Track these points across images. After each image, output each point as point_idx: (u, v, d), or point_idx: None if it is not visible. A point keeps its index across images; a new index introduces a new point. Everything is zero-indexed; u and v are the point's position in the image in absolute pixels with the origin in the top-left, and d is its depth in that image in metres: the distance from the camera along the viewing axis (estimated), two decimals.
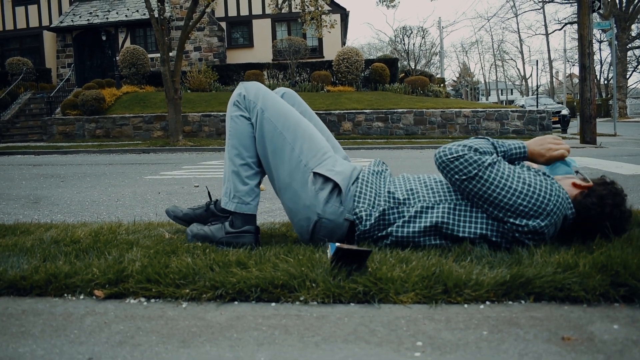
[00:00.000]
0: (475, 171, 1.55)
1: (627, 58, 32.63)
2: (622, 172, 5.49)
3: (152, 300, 1.28)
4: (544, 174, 1.63)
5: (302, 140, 1.77)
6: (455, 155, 1.57)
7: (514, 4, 52.50)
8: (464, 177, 1.56)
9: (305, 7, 13.29)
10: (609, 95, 36.86)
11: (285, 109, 1.83)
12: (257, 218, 1.80)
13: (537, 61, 31.10)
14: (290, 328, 1.11)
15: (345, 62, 17.33)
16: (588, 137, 11.80)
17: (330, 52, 19.80)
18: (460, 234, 1.59)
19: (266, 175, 1.90)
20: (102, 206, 3.47)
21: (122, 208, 3.35)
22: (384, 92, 16.90)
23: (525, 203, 1.53)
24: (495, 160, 1.58)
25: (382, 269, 1.33)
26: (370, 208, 1.66)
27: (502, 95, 60.15)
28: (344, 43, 24.03)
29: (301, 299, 1.24)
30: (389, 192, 1.70)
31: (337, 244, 1.35)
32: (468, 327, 1.11)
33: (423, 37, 27.58)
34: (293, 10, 17.97)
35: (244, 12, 21.25)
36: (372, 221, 1.64)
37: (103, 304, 1.26)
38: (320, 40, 20.16)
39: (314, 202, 1.68)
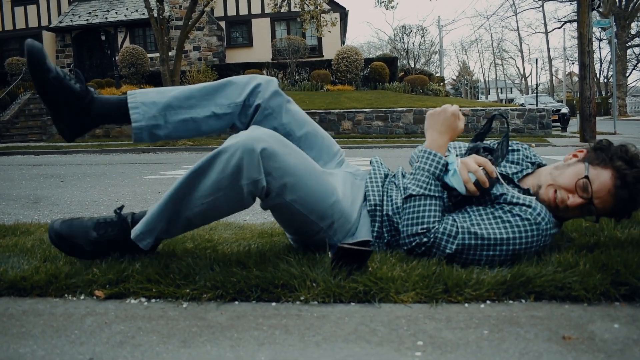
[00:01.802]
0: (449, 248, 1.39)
1: (627, 56, 32.64)
2: None
3: (153, 300, 1.28)
4: (525, 205, 1.42)
5: (340, 215, 1.46)
6: (413, 247, 1.42)
7: (514, 2, 52.67)
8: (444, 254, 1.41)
9: (305, 6, 13.28)
10: (608, 94, 36.86)
11: (315, 182, 1.39)
12: (256, 217, 1.78)
13: (536, 59, 31.08)
14: (290, 328, 1.11)
15: (344, 61, 17.34)
16: (588, 135, 11.80)
17: (330, 51, 19.80)
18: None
19: None
20: (102, 206, 3.46)
21: None
22: (384, 91, 16.91)
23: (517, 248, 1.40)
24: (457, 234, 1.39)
25: (383, 269, 1.33)
26: (377, 240, 1.55)
27: (501, 93, 60.12)
28: (343, 42, 24.02)
29: (302, 298, 1.24)
30: (389, 217, 1.54)
31: (339, 244, 1.36)
32: (469, 326, 1.11)
33: (422, 36, 27.61)
34: (292, 10, 17.96)
35: (243, 11, 21.25)
36: (378, 250, 1.56)
37: (103, 304, 1.26)
38: (319, 39, 20.15)
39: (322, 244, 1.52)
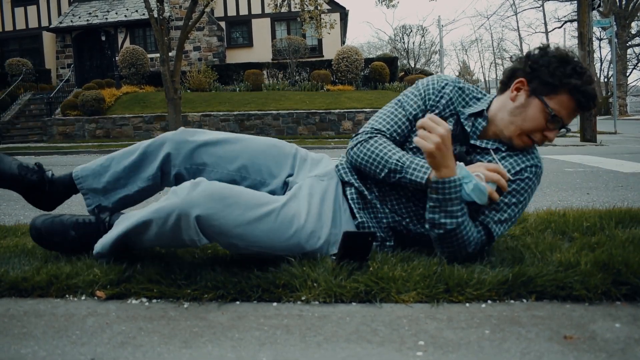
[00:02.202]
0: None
1: (627, 56, 32.63)
2: (622, 170, 5.49)
3: (154, 300, 1.28)
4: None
5: (307, 237, 1.41)
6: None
7: (514, 2, 52.51)
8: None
9: (305, 6, 13.29)
10: (609, 93, 36.79)
11: (266, 224, 1.34)
12: None
13: None
14: (292, 328, 1.11)
15: (344, 61, 17.33)
16: (588, 135, 11.80)
17: (330, 51, 19.79)
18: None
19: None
20: None
21: None
22: (384, 91, 16.90)
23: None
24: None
25: (384, 269, 1.33)
26: (379, 246, 1.55)
27: None
28: (343, 42, 24.02)
29: (303, 298, 1.24)
30: (392, 228, 1.55)
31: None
32: (470, 326, 1.11)
33: (423, 36, 27.65)
34: (292, 10, 17.96)
35: (243, 11, 21.24)
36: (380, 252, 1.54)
37: (105, 305, 1.26)
38: (319, 39, 20.14)
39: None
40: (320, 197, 1.50)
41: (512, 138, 1.47)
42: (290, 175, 1.61)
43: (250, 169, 1.58)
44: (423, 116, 1.49)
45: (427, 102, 1.52)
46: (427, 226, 1.44)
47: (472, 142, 1.50)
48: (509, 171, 1.46)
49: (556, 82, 1.39)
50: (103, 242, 1.47)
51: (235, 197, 1.33)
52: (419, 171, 1.40)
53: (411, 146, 1.52)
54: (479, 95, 1.55)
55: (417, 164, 1.41)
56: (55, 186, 1.65)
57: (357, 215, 1.52)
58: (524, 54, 1.49)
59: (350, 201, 1.54)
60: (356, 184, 1.54)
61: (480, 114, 1.51)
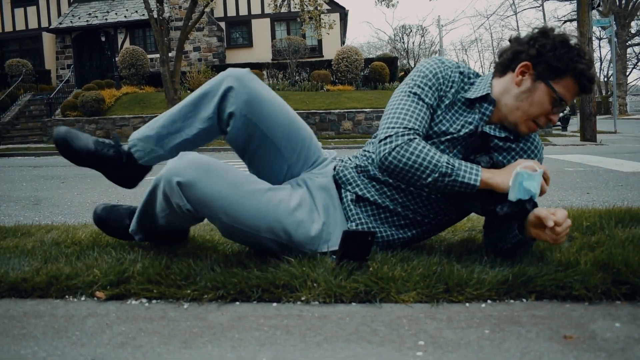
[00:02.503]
0: None
1: (627, 55, 32.64)
2: (622, 169, 5.49)
3: (154, 301, 1.28)
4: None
5: (297, 225, 1.42)
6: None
7: (514, 1, 52.47)
8: None
9: (304, 6, 13.29)
10: (609, 93, 36.83)
11: (251, 201, 1.38)
12: None
13: None
14: (292, 328, 1.11)
15: (344, 61, 17.32)
16: (588, 134, 11.80)
17: (330, 51, 19.79)
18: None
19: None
20: None
21: None
22: (384, 91, 16.89)
23: None
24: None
25: (384, 268, 1.33)
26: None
27: None
28: (343, 42, 24.02)
29: (302, 298, 1.24)
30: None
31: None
32: (470, 325, 1.11)
33: (422, 36, 27.68)
34: (292, 10, 17.97)
35: (243, 12, 21.24)
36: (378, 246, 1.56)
37: (104, 306, 1.26)
38: (319, 39, 20.16)
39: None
40: (313, 193, 1.51)
41: (518, 124, 1.44)
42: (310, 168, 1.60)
43: (292, 146, 1.55)
44: (438, 106, 1.47)
45: (440, 93, 1.48)
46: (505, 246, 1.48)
47: (489, 131, 1.46)
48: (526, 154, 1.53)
49: (563, 67, 1.37)
50: (133, 220, 1.62)
51: (221, 171, 1.37)
52: (470, 173, 1.36)
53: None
54: (473, 78, 1.51)
55: (465, 165, 1.37)
56: (131, 159, 1.61)
57: (352, 218, 1.54)
58: (524, 35, 1.45)
59: (346, 204, 1.55)
60: (351, 189, 1.56)
61: (485, 98, 1.46)
